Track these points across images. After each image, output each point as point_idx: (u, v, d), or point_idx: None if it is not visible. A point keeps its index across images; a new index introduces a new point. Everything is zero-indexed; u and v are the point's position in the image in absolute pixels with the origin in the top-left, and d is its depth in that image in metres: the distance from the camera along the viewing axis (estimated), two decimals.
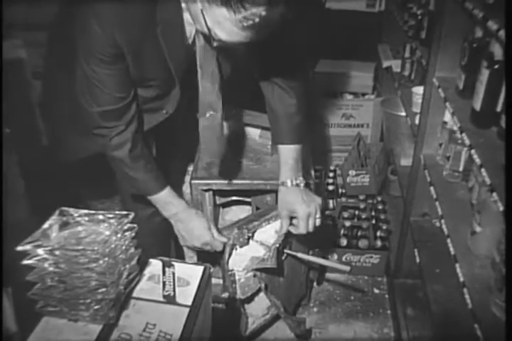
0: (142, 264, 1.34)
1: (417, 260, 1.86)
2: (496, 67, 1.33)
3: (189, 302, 1.27)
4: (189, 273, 1.35)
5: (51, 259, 1.13)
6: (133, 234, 1.23)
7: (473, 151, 1.34)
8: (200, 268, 1.38)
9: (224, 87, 1.53)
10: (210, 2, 1.13)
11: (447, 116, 1.72)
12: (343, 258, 2.38)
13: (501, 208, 1.13)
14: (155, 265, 1.36)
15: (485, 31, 1.46)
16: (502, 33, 1.14)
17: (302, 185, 1.69)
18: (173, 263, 1.33)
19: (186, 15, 1.31)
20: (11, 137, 1.78)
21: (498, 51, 1.34)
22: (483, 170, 1.25)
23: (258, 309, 1.85)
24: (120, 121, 1.46)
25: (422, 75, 2.19)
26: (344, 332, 2.15)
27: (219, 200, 2.06)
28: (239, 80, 1.65)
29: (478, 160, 1.30)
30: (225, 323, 1.79)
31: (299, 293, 2.13)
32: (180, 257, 2.27)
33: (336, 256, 2.38)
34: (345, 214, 2.58)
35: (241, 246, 1.71)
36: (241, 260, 1.71)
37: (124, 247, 1.20)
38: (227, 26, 1.16)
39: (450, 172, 1.74)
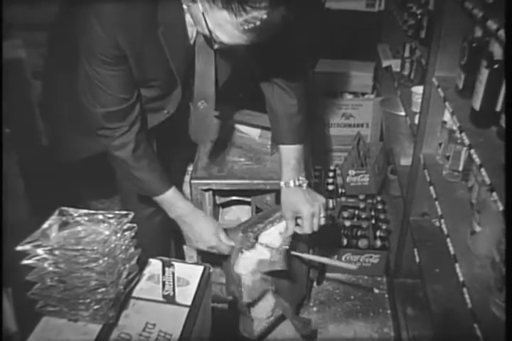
0: (142, 264, 1.34)
1: (417, 260, 1.86)
2: (496, 66, 1.33)
3: (189, 302, 1.28)
4: (189, 272, 1.36)
5: (51, 259, 1.13)
6: (132, 234, 1.23)
7: (472, 151, 1.34)
8: (200, 268, 1.38)
9: (219, 81, 1.55)
10: (211, 5, 1.13)
11: (447, 116, 1.72)
12: (343, 258, 2.38)
13: (501, 208, 1.13)
14: (155, 265, 1.37)
15: (484, 31, 1.46)
16: (501, 33, 1.14)
17: (305, 185, 1.68)
18: (172, 262, 1.33)
19: (188, 17, 1.31)
20: (11, 137, 1.78)
21: (497, 51, 1.34)
22: (482, 169, 1.25)
23: (262, 312, 1.84)
24: (124, 122, 1.46)
25: (421, 75, 2.19)
26: (344, 332, 2.15)
27: (219, 200, 2.06)
28: (239, 80, 1.65)
29: (477, 160, 1.30)
30: (225, 323, 1.80)
31: (301, 293, 2.13)
32: (180, 257, 2.27)
33: (335, 257, 2.38)
34: (345, 214, 2.58)
35: (247, 250, 1.70)
36: (247, 263, 1.70)
37: (123, 247, 1.20)
38: (228, 29, 1.16)
39: (450, 171, 1.74)
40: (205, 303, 1.37)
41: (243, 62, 1.57)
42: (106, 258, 1.13)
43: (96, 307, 1.16)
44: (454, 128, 1.57)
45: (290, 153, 1.67)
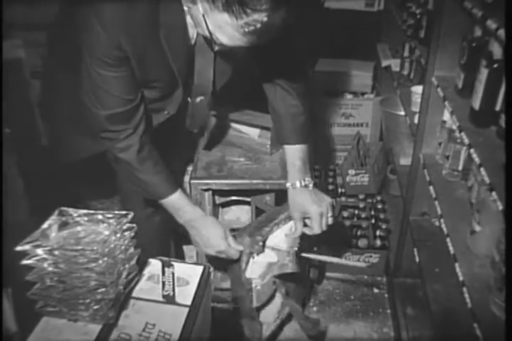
0: (141, 264, 1.34)
1: (417, 259, 1.85)
2: (495, 66, 1.33)
3: (188, 302, 1.28)
4: (188, 272, 1.36)
5: (50, 259, 1.14)
6: (132, 234, 1.23)
7: (472, 150, 1.34)
8: (200, 268, 1.39)
9: (218, 80, 1.55)
10: (212, 7, 1.13)
11: (446, 116, 1.72)
12: (343, 258, 2.38)
13: (500, 207, 1.13)
14: (154, 265, 1.37)
15: (484, 30, 1.46)
16: (501, 32, 1.14)
17: (311, 185, 1.68)
18: (172, 263, 1.33)
19: (189, 18, 1.31)
20: (11, 137, 1.77)
21: (497, 50, 1.33)
22: (482, 169, 1.25)
23: (270, 315, 1.82)
24: (129, 124, 1.45)
25: (421, 74, 2.18)
26: (344, 332, 2.15)
27: (218, 200, 2.06)
28: (239, 80, 1.65)
29: (477, 160, 1.29)
30: (226, 323, 1.80)
31: (304, 293, 2.13)
32: (180, 257, 2.27)
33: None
34: (345, 214, 2.58)
35: (258, 254, 1.68)
36: (257, 267, 1.68)
37: (123, 247, 1.20)
38: (229, 31, 1.16)
39: (449, 171, 1.74)
40: (205, 303, 1.37)
41: (243, 64, 1.57)
42: (105, 259, 1.13)
43: (96, 307, 1.16)
44: (454, 127, 1.57)
45: (295, 153, 1.67)
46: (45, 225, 1.18)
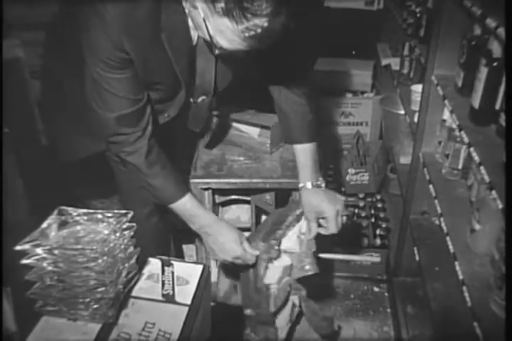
0: (141, 263, 1.34)
1: (417, 258, 1.85)
2: (495, 64, 1.33)
3: (188, 301, 1.28)
4: (188, 272, 1.36)
5: (50, 258, 1.13)
6: (132, 233, 1.23)
7: (472, 149, 1.33)
8: (200, 267, 1.38)
9: (220, 81, 1.55)
10: (212, 11, 1.12)
11: (446, 114, 1.72)
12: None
13: (500, 206, 1.13)
14: (154, 264, 1.36)
15: (483, 29, 1.46)
16: (500, 31, 1.14)
17: (323, 185, 1.67)
18: (172, 262, 1.33)
19: (190, 20, 1.31)
20: (11, 137, 1.77)
21: (496, 49, 1.33)
22: (482, 167, 1.25)
23: (283, 319, 1.80)
24: (137, 126, 1.43)
25: (420, 73, 2.18)
26: (344, 331, 2.14)
27: (218, 199, 2.06)
28: (241, 81, 1.65)
29: (477, 158, 1.29)
30: (226, 322, 1.80)
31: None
32: (180, 256, 2.27)
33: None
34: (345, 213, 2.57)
35: (276, 259, 1.65)
36: (273, 272, 1.65)
37: (122, 246, 1.20)
38: (229, 35, 1.15)
39: (449, 170, 1.74)
40: (205, 302, 1.37)
41: (245, 66, 1.56)
42: (105, 258, 1.13)
43: (95, 306, 1.16)
44: (454, 126, 1.57)
45: (306, 152, 1.66)
46: (44, 224, 1.17)
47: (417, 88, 2.00)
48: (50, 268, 1.14)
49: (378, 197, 2.75)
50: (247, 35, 1.13)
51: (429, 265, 1.79)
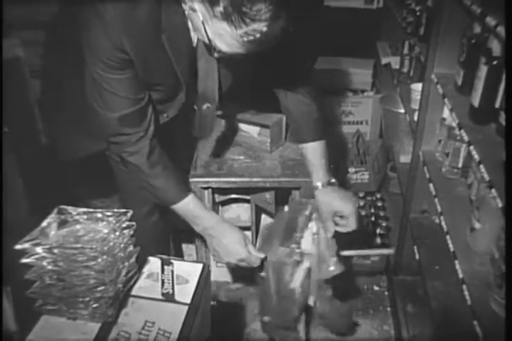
0: (141, 262, 1.34)
1: (417, 257, 1.85)
2: (495, 63, 1.33)
3: (188, 300, 1.28)
4: (188, 271, 1.35)
5: (50, 257, 1.13)
6: (131, 232, 1.23)
7: (471, 147, 1.33)
8: (199, 266, 1.38)
9: (223, 88, 1.54)
10: (211, 16, 1.12)
11: (446, 113, 1.72)
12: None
13: (500, 204, 1.13)
14: (154, 263, 1.37)
15: (483, 27, 1.46)
16: (500, 29, 1.14)
17: (336, 183, 1.67)
18: (171, 261, 1.33)
19: (190, 23, 1.30)
20: (10, 136, 1.77)
21: (496, 47, 1.33)
22: (481, 166, 1.25)
23: (301, 321, 1.81)
24: (140, 126, 1.42)
25: (420, 72, 2.18)
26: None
27: (218, 198, 2.05)
28: (243, 82, 1.64)
29: (476, 157, 1.29)
30: (226, 321, 1.80)
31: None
32: (179, 255, 2.28)
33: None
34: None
35: (303, 262, 1.62)
36: (296, 276, 1.63)
37: (122, 245, 1.20)
38: (228, 39, 1.15)
39: (449, 168, 1.74)
40: (205, 301, 1.37)
41: (247, 69, 1.56)
42: (105, 257, 1.13)
43: (95, 305, 1.16)
44: (453, 124, 1.57)
45: (316, 151, 1.66)
46: (44, 223, 1.18)
47: (417, 87, 2.00)
48: (49, 267, 1.14)
49: (378, 195, 2.75)
50: (245, 39, 1.13)
51: (429, 264, 1.79)
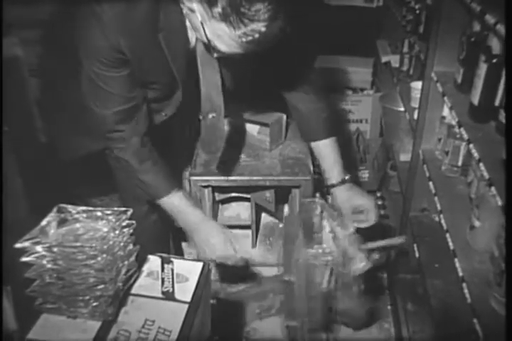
0: (141, 261, 1.34)
1: (417, 255, 1.85)
2: (494, 61, 1.33)
3: (188, 299, 1.27)
4: (188, 269, 1.35)
5: (49, 256, 1.13)
6: (131, 231, 1.23)
7: (471, 146, 1.33)
8: (199, 265, 1.38)
9: (226, 91, 1.52)
10: (210, 16, 1.12)
11: (446, 111, 1.72)
12: None
13: (500, 202, 1.13)
14: (154, 261, 1.36)
15: (483, 25, 1.46)
16: (500, 27, 1.14)
17: (351, 179, 1.69)
18: (171, 259, 1.33)
19: (188, 22, 1.30)
20: (9, 135, 1.77)
21: (496, 45, 1.33)
22: (481, 164, 1.25)
23: None
24: (132, 123, 1.44)
25: (420, 70, 2.18)
26: (343, 328, 2.14)
27: (218, 196, 2.06)
28: (239, 80, 1.64)
29: (476, 155, 1.29)
30: (226, 320, 1.79)
31: None
32: (179, 253, 2.27)
33: None
34: None
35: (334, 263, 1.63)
36: (325, 277, 1.63)
37: (122, 244, 1.20)
38: (227, 40, 1.15)
39: (449, 167, 1.74)
40: (205, 300, 1.37)
41: (246, 67, 1.55)
42: (104, 255, 1.13)
43: (95, 304, 1.16)
44: (453, 123, 1.57)
45: (329, 148, 1.67)
46: (44, 222, 1.17)
47: (417, 85, 2.00)
48: (49, 265, 1.14)
49: (378, 194, 2.75)
50: (244, 40, 1.13)
51: (429, 262, 1.79)
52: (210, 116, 1.54)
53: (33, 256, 1.14)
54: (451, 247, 1.47)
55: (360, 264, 1.61)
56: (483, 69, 1.36)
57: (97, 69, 1.33)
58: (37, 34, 1.62)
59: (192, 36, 1.39)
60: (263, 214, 2.31)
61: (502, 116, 1.28)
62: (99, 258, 1.12)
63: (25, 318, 1.23)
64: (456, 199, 1.64)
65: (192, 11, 1.16)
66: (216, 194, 2.04)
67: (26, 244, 1.13)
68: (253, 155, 2.06)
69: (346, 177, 1.68)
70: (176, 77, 1.44)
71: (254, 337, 1.97)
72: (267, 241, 2.22)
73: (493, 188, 1.17)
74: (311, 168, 1.99)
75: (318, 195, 1.84)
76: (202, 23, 1.15)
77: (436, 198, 1.66)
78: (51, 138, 1.86)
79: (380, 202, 2.62)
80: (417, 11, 2.08)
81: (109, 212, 1.22)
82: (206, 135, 1.61)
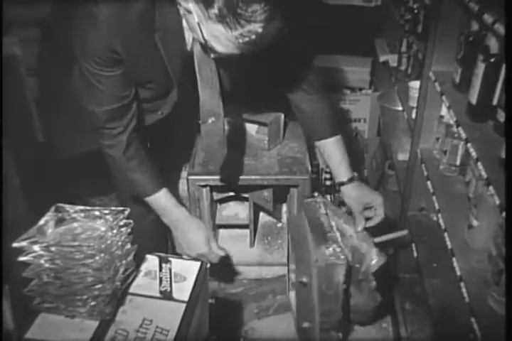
0: (139, 260, 1.34)
1: (415, 254, 1.86)
2: (492, 60, 1.33)
3: (186, 298, 1.28)
4: (186, 268, 1.36)
5: (47, 255, 1.13)
6: (129, 230, 1.23)
7: (469, 145, 1.33)
8: (197, 264, 1.38)
9: (224, 93, 1.51)
10: (206, 17, 1.12)
11: (444, 110, 1.72)
12: None
13: (498, 202, 1.13)
14: (151, 261, 1.37)
15: (481, 25, 1.46)
16: (498, 26, 1.14)
17: (358, 176, 1.71)
18: (169, 259, 1.33)
19: (185, 21, 1.30)
20: (8, 134, 1.77)
21: (494, 44, 1.33)
22: (479, 163, 1.25)
23: None
24: (121, 121, 1.45)
25: (418, 69, 2.18)
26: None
27: (216, 196, 2.05)
28: (237, 80, 1.64)
29: (474, 154, 1.29)
30: (225, 319, 1.79)
31: None
32: (177, 253, 2.27)
33: None
34: (343, 210, 2.57)
35: (356, 262, 1.63)
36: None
37: (120, 243, 1.20)
38: (223, 41, 1.15)
39: (447, 166, 1.74)
40: (203, 299, 1.37)
41: (243, 68, 1.55)
42: (102, 255, 1.13)
43: (93, 303, 1.16)
44: (451, 122, 1.57)
45: (335, 146, 1.68)
46: (41, 221, 1.18)
47: (415, 84, 2.00)
48: (47, 265, 1.14)
49: None
50: (241, 41, 1.12)
51: (427, 261, 1.79)
52: (210, 120, 1.52)
53: (30, 255, 1.14)
54: (449, 246, 1.48)
55: (376, 259, 1.63)
56: (481, 68, 1.36)
57: (91, 68, 1.33)
58: (35, 33, 1.62)
59: (189, 37, 1.39)
60: (261, 214, 2.31)
61: (500, 116, 1.28)
62: (97, 258, 1.12)
63: (23, 318, 1.22)
64: (454, 198, 1.64)
65: (189, 11, 1.16)
66: (214, 193, 2.03)
67: (24, 243, 1.13)
68: (251, 154, 2.05)
69: (356, 175, 1.70)
70: (171, 77, 1.44)
71: (253, 337, 1.97)
72: (265, 240, 2.22)
73: (491, 187, 1.17)
74: (309, 168, 1.99)
75: (317, 193, 1.84)
76: (199, 24, 1.15)
77: (434, 197, 1.66)
78: (49, 137, 1.85)
79: None
80: (415, 11, 2.08)
81: (106, 212, 1.22)
82: (207, 142, 1.59)
